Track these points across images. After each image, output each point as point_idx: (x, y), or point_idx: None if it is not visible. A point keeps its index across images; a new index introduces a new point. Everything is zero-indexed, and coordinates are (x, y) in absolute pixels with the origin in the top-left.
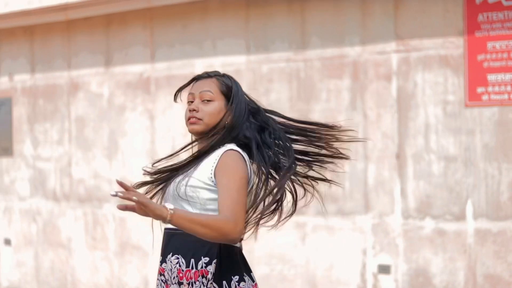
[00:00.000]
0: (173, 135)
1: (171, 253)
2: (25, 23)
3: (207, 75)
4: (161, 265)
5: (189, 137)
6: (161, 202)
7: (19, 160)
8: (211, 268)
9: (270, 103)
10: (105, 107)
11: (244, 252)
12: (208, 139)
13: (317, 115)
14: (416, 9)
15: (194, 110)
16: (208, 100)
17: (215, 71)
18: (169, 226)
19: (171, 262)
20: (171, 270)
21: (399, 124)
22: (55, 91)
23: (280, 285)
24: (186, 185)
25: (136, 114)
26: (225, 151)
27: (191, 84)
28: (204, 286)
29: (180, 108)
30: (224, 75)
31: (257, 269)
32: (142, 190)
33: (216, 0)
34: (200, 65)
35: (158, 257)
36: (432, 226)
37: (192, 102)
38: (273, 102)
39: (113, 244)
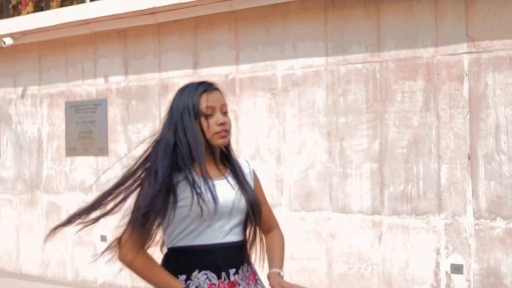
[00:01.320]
0: (256, 136)
1: (243, 264)
2: (119, 26)
3: (214, 87)
4: (228, 278)
5: (272, 138)
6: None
7: (114, 159)
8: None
9: (348, 104)
10: None
11: (323, 250)
12: (219, 150)
13: (392, 116)
14: (487, 11)
15: (224, 123)
16: (225, 112)
17: (214, 82)
18: (230, 239)
19: (242, 271)
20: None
21: (470, 125)
22: (147, 92)
23: (357, 284)
24: (254, 197)
25: None
26: (250, 165)
27: (204, 96)
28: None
29: (263, 110)
30: (218, 88)
31: (336, 267)
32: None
33: (297, 3)
34: (281, 67)
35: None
36: (503, 226)
37: (211, 114)
38: (350, 104)
39: None
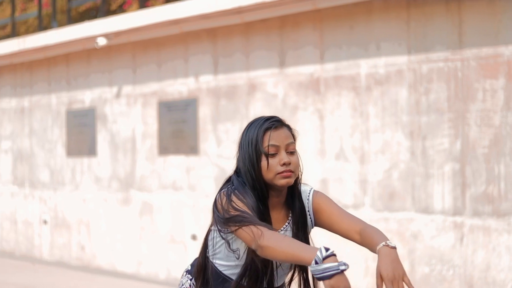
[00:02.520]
0: (340, 135)
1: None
2: (207, 26)
3: (281, 123)
4: None
5: (356, 137)
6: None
7: (204, 158)
8: None
9: (430, 103)
10: (279, 107)
11: (406, 251)
12: (283, 191)
13: (473, 115)
14: None
15: (287, 164)
16: (292, 152)
17: (281, 118)
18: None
19: None
20: None
21: None
22: (235, 92)
23: (439, 285)
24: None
25: (307, 114)
26: (309, 194)
27: (268, 134)
28: None
29: (347, 109)
30: (288, 125)
31: (418, 269)
32: None
33: (379, 1)
34: (365, 66)
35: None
36: None
37: (275, 153)
38: (432, 103)
39: None
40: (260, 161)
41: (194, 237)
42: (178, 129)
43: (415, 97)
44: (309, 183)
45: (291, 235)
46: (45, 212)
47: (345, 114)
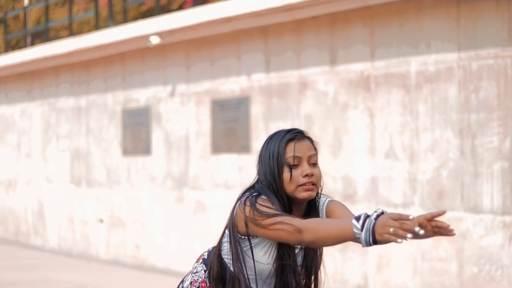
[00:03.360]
0: (390, 133)
1: None
2: (258, 24)
3: (303, 135)
4: None
5: (405, 135)
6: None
7: (255, 157)
8: None
9: (479, 101)
10: (330, 105)
11: (454, 251)
12: (303, 204)
13: None
14: None
15: (310, 175)
16: (314, 164)
17: (303, 130)
18: None
19: None
20: None
21: None
22: (286, 90)
23: (488, 286)
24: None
25: (358, 112)
26: (325, 202)
27: (291, 145)
28: None
29: (397, 107)
30: (310, 137)
31: (466, 269)
32: None
33: None
34: (414, 63)
35: None
36: None
37: (297, 165)
38: (482, 100)
39: None
40: (282, 173)
41: None
42: (230, 128)
43: (465, 95)
44: (355, 185)
45: (303, 252)
46: (101, 211)
47: (395, 112)
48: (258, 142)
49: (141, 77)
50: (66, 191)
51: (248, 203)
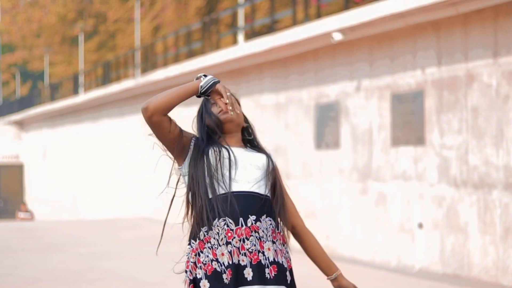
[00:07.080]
0: None
1: (263, 215)
2: (426, 19)
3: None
4: (255, 223)
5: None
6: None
7: (429, 148)
8: None
9: None
10: (493, 97)
11: None
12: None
13: None
14: None
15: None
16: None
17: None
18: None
19: (265, 222)
20: (266, 229)
21: None
22: (455, 83)
23: None
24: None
25: None
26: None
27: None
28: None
29: None
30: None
31: None
32: None
33: None
34: None
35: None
36: None
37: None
38: None
39: (500, 229)
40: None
41: (420, 226)
42: (407, 121)
43: None
44: None
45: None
46: (297, 204)
47: None
48: (431, 134)
49: (331, 73)
50: None
51: None
